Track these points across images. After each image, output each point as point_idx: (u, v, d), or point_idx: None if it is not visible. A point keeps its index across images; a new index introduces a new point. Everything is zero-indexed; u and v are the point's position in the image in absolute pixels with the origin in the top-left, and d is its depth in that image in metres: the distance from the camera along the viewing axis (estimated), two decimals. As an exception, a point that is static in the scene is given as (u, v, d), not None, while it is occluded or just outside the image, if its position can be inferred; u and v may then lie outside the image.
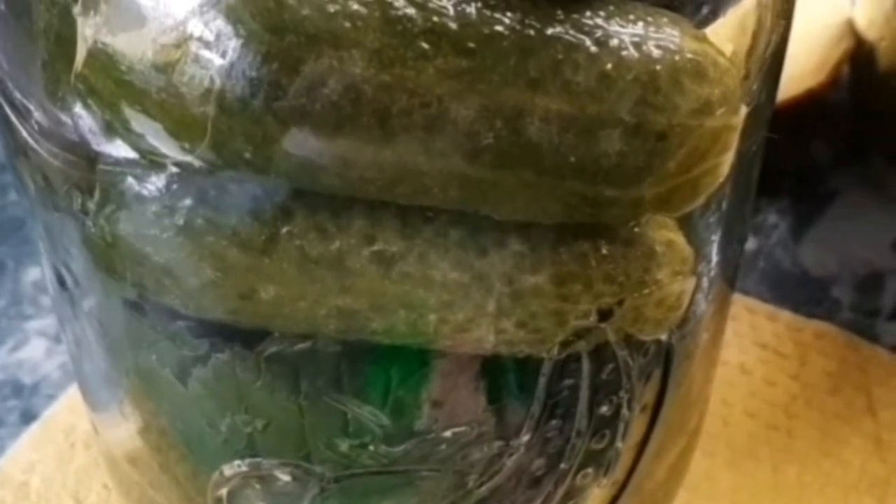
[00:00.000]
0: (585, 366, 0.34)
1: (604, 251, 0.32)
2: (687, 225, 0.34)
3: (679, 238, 0.33)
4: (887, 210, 0.65)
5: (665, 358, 0.37)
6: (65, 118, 0.31)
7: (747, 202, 0.39)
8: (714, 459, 0.54)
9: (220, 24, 0.27)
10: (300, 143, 0.28)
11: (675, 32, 0.29)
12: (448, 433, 0.34)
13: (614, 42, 0.29)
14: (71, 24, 0.28)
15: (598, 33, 0.28)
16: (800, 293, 0.61)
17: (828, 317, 0.60)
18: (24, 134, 0.33)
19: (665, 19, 0.29)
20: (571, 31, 0.28)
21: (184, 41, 0.27)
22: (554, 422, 0.35)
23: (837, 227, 0.65)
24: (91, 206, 0.31)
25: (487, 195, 0.29)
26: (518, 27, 0.28)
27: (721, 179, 0.31)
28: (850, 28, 0.66)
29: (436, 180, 0.28)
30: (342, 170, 0.28)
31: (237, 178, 0.29)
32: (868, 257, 0.63)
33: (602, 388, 0.35)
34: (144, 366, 0.36)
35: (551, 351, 0.33)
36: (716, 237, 0.36)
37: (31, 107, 0.32)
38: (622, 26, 0.29)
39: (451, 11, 0.27)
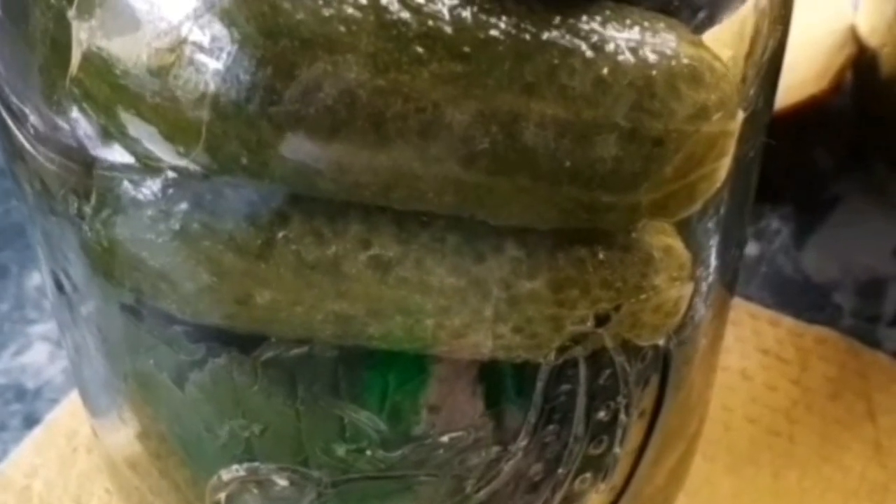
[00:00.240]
0: (583, 371, 0.34)
1: (601, 256, 0.32)
2: (685, 230, 0.33)
3: (676, 243, 0.33)
4: (889, 217, 0.65)
5: (663, 363, 0.37)
6: (61, 122, 0.31)
7: (745, 207, 0.39)
8: (714, 464, 0.53)
9: (215, 28, 0.27)
10: (295, 147, 0.28)
11: (672, 37, 0.29)
12: (445, 438, 0.34)
13: (610, 47, 0.28)
14: (66, 29, 0.28)
15: (595, 38, 0.28)
16: (802, 299, 0.61)
17: (829, 322, 0.60)
18: (21, 138, 0.33)
19: (662, 24, 0.29)
20: (567, 36, 0.28)
21: (179, 45, 0.27)
22: (551, 427, 0.35)
23: (840, 233, 0.65)
24: (87, 210, 0.31)
25: (483, 200, 0.29)
26: (514, 32, 0.28)
27: (718, 185, 0.31)
28: (853, 34, 0.66)
29: (431, 185, 0.28)
30: (337, 174, 0.28)
31: (233, 182, 0.29)
32: (870, 264, 0.63)
33: (599, 393, 0.35)
34: (142, 370, 0.36)
35: (548, 356, 0.33)
36: (714, 242, 0.36)
37: (28, 111, 0.32)
38: (618, 31, 0.29)
39: (447, 16, 0.27)
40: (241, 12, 0.27)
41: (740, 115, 0.30)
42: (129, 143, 0.29)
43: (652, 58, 0.29)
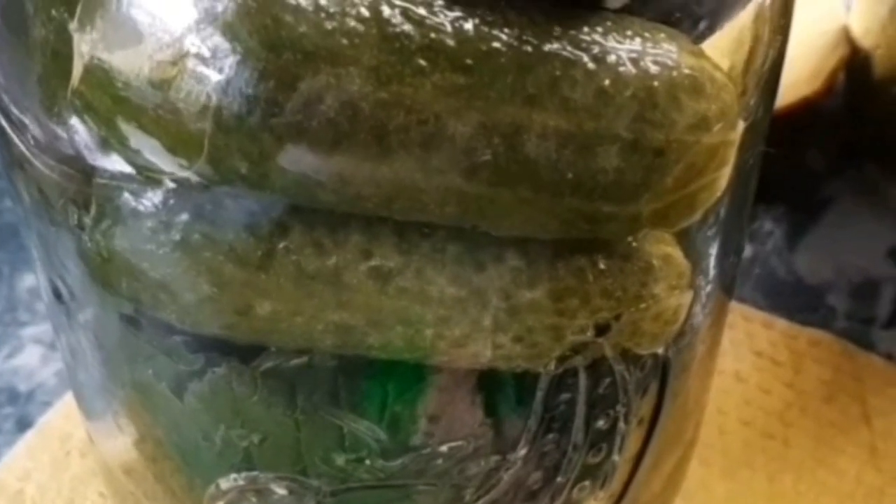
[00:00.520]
0: (582, 380, 0.34)
1: (601, 266, 0.32)
2: (684, 238, 0.33)
3: (676, 252, 0.33)
4: (882, 218, 0.65)
5: (662, 371, 0.37)
6: (61, 133, 0.31)
7: (744, 214, 0.39)
8: (709, 469, 0.53)
9: (216, 40, 0.27)
10: (297, 159, 0.27)
11: (673, 48, 0.29)
12: (445, 447, 0.34)
13: (612, 58, 0.28)
14: (67, 40, 0.28)
15: (596, 49, 0.28)
16: (795, 301, 0.61)
17: (823, 325, 0.60)
18: (21, 147, 0.33)
19: (662, 35, 0.29)
20: (569, 48, 0.28)
21: (180, 58, 0.27)
22: (551, 436, 0.35)
23: (832, 234, 0.65)
24: (87, 220, 0.31)
25: (485, 211, 0.29)
26: (515, 44, 0.28)
27: (719, 194, 0.31)
28: (846, 36, 0.66)
29: (433, 197, 0.28)
30: (339, 186, 0.28)
31: (234, 193, 0.29)
32: (863, 265, 0.63)
33: (599, 402, 0.35)
34: (140, 379, 0.36)
35: (548, 366, 0.33)
36: (713, 250, 0.36)
37: (27, 121, 0.32)
38: (619, 42, 0.29)
39: (449, 28, 0.27)
40: (244, 25, 0.26)
41: (741, 125, 0.30)
42: (130, 155, 0.29)
43: (653, 69, 0.29)
